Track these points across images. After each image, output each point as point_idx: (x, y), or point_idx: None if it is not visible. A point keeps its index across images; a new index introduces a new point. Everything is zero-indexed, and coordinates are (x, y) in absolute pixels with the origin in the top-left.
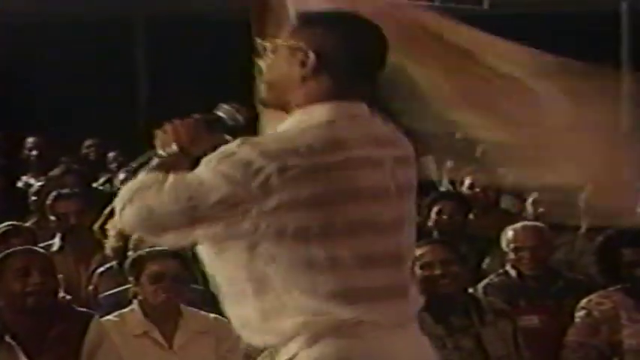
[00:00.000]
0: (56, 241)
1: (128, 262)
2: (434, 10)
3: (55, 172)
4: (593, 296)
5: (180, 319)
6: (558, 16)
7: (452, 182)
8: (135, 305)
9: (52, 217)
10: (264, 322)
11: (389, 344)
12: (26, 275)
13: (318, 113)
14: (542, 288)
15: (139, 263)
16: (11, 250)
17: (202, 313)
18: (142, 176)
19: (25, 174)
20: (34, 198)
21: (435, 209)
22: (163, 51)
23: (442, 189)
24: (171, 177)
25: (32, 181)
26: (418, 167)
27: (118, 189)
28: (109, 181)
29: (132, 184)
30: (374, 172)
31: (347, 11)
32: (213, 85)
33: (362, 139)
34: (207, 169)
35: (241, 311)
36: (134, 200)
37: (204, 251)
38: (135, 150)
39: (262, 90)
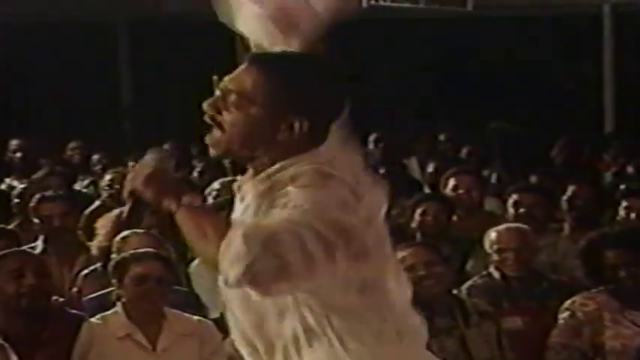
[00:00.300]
0: (39, 244)
1: (111, 264)
2: (419, 11)
3: (39, 174)
4: (577, 297)
5: (164, 322)
6: (541, 18)
7: (432, 186)
8: (118, 307)
9: (36, 220)
10: None
11: None
12: (20, 277)
13: (324, 167)
14: (526, 289)
15: (122, 265)
16: (5, 252)
17: (186, 315)
18: (243, 225)
19: (8, 176)
20: (17, 200)
21: (419, 210)
22: (147, 54)
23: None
24: (288, 224)
25: (15, 183)
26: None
27: (105, 190)
28: (93, 183)
29: (240, 234)
30: (379, 214)
31: (307, 55)
32: (196, 88)
33: (357, 182)
34: (311, 215)
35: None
36: (252, 249)
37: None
38: (118, 152)
39: (223, 140)
